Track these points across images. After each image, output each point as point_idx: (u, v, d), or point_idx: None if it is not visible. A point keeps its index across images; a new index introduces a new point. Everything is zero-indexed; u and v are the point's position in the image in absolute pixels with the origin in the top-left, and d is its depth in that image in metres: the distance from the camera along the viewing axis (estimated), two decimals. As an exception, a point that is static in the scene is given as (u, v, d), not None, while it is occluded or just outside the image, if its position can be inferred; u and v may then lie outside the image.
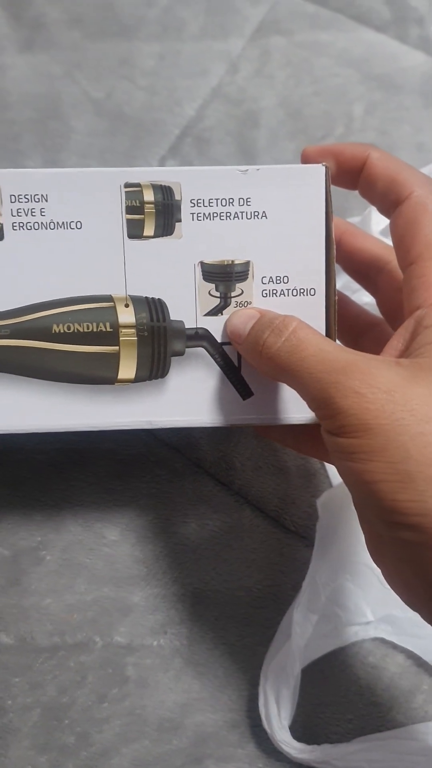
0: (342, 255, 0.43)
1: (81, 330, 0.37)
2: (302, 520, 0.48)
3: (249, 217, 0.38)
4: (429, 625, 0.32)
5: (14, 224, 0.37)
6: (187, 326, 0.38)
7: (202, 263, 0.38)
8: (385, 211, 0.39)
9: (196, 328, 0.38)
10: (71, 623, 0.47)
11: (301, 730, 0.45)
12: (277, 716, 0.43)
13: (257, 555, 0.48)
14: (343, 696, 0.46)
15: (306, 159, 0.40)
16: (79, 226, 0.37)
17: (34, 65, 0.58)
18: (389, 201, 0.38)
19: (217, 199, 0.38)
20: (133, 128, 0.57)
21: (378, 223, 0.49)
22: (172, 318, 0.38)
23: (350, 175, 0.39)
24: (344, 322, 0.44)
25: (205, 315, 0.38)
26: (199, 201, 0.38)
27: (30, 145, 0.56)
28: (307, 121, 0.57)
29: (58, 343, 0.37)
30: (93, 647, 0.46)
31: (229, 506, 0.48)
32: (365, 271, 0.43)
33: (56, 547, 0.48)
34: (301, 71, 0.58)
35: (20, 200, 0.37)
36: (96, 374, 0.38)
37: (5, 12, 0.60)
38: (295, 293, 0.38)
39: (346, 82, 0.58)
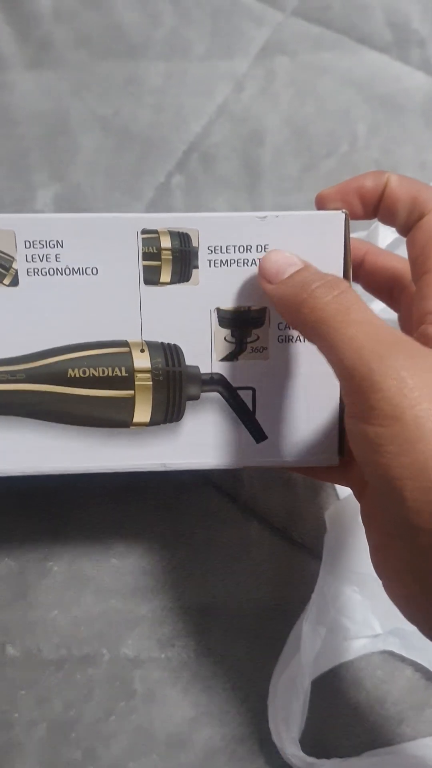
0: (365, 274, 0.41)
1: (96, 374, 0.36)
2: (310, 533, 0.46)
3: None
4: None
5: (29, 270, 0.35)
6: (202, 371, 0.37)
7: (218, 309, 0.36)
8: (407, 230, 0.37)
9: (212, 373, 0.37)
10: (78, 636, 0.45)
11: (311, 744, 0.42)
12: (287, 730, 0.41)
13: (265, 568, 0.46)
14: (353, 710, 0.43)
15: (321, 202, 0.38)
16: (95, 272, 0.36)
17: (41, 83, 0.57)
18: (412, 220, 0.36)
19: (234, 246, 0.36)
20: (139, 145, 0.56)
21: (385, 237, 0.48)
22: (187, 363, 0.37)
23: (372, 206, 0.37)
24: None
25: (221, 360, 0.37)
26: (216, 248, 0.36)
27: (38, 160, 0.55)
28: (311, 139, 0.56)
29: (73, 388, 0.36)
30: (100, 660, 0.44)
31: (236, 519, 0.47)
32: (388, 288, 0.41)
33: (63, 559, 0.45)
34: (305, 91, 0.57)
35: (35, 246, 0.35)
36: (111, 418, 0.37)
37: (13, 30, 0.59)
38: None
39: (349, 102, 0.56)
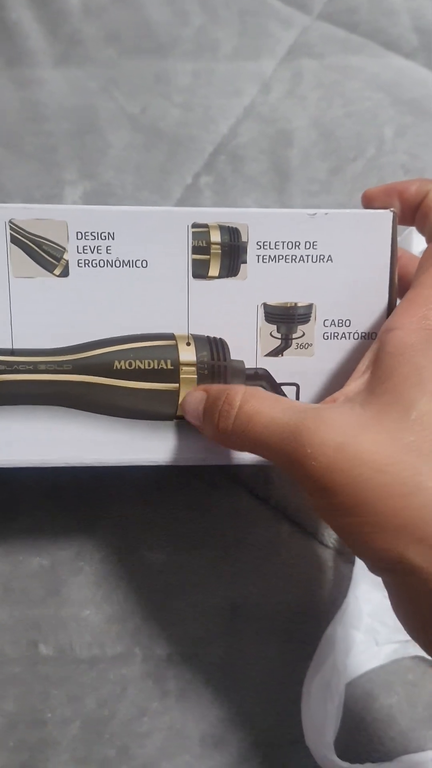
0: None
1: (142, 367, 0.35)
2: (340, 535, 0.46)
3: (314, 260, 0.36)
4: None
5: (80, 261, 0.35)
6: (247, 366, 0.36)
7: (265, 305, 0.36)
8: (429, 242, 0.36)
9: (256, 368, 0.37)
10: (110, 634, 0.43)
11: (343, 748, 0.41)
12: (321, 734, 0.40)
13: (296, 570, 0.45)
14: (385, 714, 0.43)
15: (368, 200, 0.38)
16: (144, 265, 0.35)
17: (70, 80, 0.56)
18: None
19: (283, 242, 0.36)
20: (168, 144, 0.54)
21: (419, 243, 0.47)
22: (232, 357, 0.36)
23: (411, 211, 0.37)
24: None
25: (266, 355, 0.37)
26: (265, 243, 0.36)
27: (67, 157, 0.54)
28: (339, 141, 0.55)
29: (119, 379, 0.35)
30: (133, 659, 0.43)
31: (266, 520, 0.45)
32: None
33: (94, 557, 0.44)
34: (332, 93, 0.56)
35: (87, 237, 0.35)
36: (155, 410, 0.36)
37: (42, 27, 0.57)
38: (356, 337, 0.37)
39: (376, 105, 0.55)
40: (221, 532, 0.45)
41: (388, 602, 0.42)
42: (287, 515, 0.46)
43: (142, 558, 0.45)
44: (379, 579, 0.42)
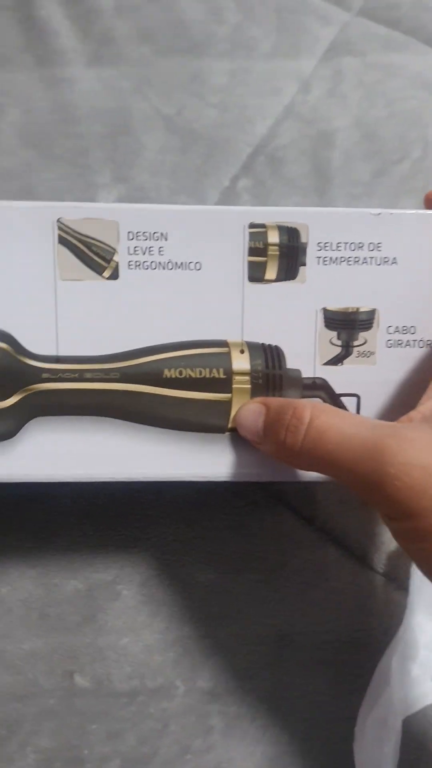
0: None
1: (193, 375, 0.33)
2: (392, 560, 0.42)
3: (378, 262, 0.34)
4: None
5: (130, 263, 0.33)
6: (304, 375, 0.34)
7: (324, 310, 0.34)
8: None
9: (314, 378, 0.34)
10: (151, 665, 0.40)
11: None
12: (379, 775, 0.37)
13: (345, 596, 0.42)
14: (445, 754, 0.40)
15: (431, 203, 0.37)
16: (198, 267, 0.33)
17: (102, 79, 0.53)
18: None
19: (345, 243, 0.34)
20: (204, 146, 0.51)
21: None
22: (289, 366, 0.34)
23: None
24: None
25: (325, 364, 0.34)
26: (326, 244, 0.34)
27: (99, 160, 0.51)
28: (382, 143, 0.52)
29: (168, 389, 0.33)
30: (175, 692, 0.40)
31: (312, 543, 0.42)
32: None
33: (133, 581, 0.42)
34: (374, 93, 0.53)
35: (138, 238, 0.33)
36: (207, 422, 0.34)
37: (73, 25, 0.54)
38: (422, 345, 0.34)
39: (421, 105, 0.53)
40: (263, 555, 0.43)
41: (446, 632, 0.39)
42: (334, 537, 0.43)
43: (184, 582, 0.42)
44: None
